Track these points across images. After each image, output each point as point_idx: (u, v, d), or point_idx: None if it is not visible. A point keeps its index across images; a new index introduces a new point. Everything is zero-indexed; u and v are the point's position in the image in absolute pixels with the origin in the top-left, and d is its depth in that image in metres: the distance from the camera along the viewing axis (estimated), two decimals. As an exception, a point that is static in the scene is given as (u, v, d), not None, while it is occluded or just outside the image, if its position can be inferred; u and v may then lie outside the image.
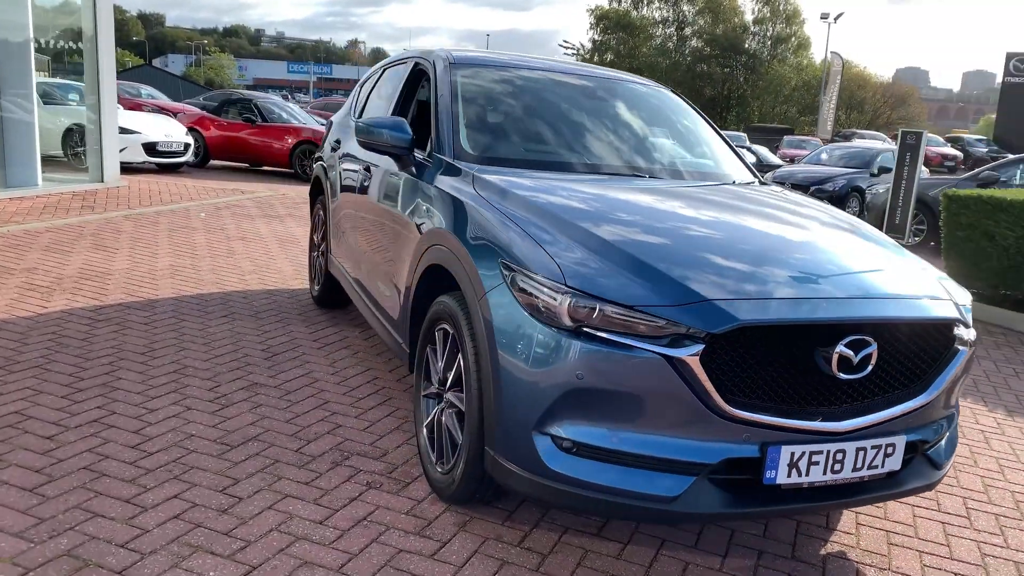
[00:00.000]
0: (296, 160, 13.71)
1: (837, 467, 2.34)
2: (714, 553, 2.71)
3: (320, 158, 5.45)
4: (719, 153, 3.96)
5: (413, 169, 3.45)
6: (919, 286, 2.55)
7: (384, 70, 4.92)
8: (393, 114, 4.14)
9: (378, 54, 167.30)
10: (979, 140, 38.01)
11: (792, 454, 2.27)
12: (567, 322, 2.24)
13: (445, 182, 3.14)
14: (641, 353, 2.18)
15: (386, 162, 3.75)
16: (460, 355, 2.68)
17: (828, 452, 2.31)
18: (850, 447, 2.34)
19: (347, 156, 4.62)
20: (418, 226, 3.22)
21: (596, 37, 55.69)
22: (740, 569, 2.62)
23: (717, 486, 2.28)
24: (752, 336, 2.22)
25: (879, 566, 2.72)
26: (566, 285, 2.27)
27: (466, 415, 2.60)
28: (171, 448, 3.11)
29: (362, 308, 4.10)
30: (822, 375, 2.29)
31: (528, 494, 2.38)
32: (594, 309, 2.22)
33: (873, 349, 2.30)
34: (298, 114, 15.21)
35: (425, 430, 3.04)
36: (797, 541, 2.84)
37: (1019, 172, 10.89)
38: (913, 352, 2.45)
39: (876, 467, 2.40)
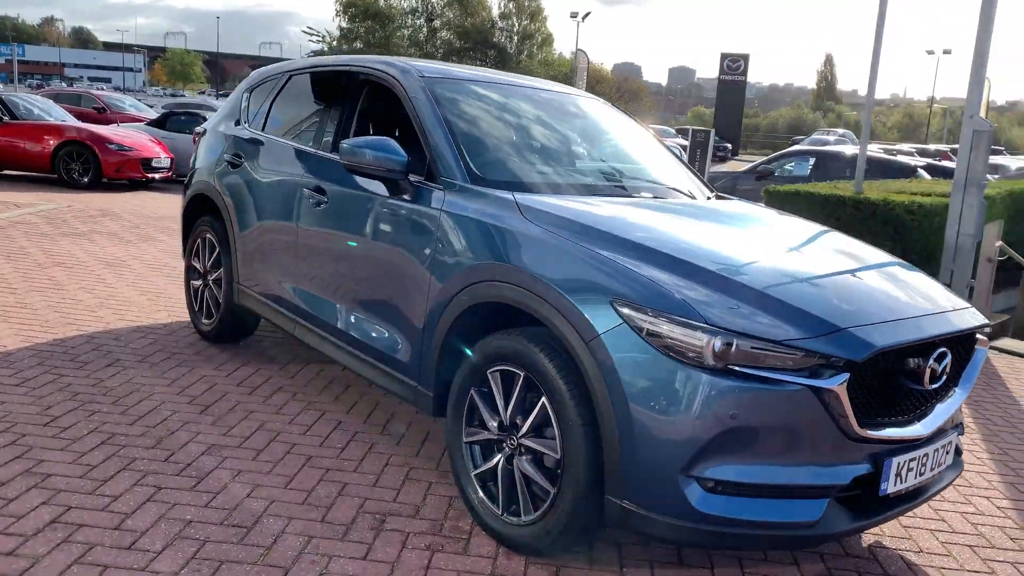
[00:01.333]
0: (60, 163, 11.92)
1: (923, 469, 2.55)
2: (789, 563, 2.82)
3: (198, 173, 4.79)
4: (681, 168, 4.06)
5: (408, 196, 3.16)
6: (953, 299, 2.84)
7: (290, 76, 4.44)
8: (339, 133, 3.75)
9: (82, 34, 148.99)
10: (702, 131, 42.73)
11: (898, 464, 2.44)
12: (713, 362, 2.21)
13: (471, 209, 2.92)
14: (788, 387, 2.21)
15: (363, 188, 3.39)
16: (545, 399, 2.53)
17: (918, 457, 2.51)
18: (930, 449, 2.56)
19: (271, 174, 4.10)
20: (434, 259, 2.97)
21: (344, 25, 54.48)
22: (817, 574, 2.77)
23: (842, 504, 2.38)
24: (877, 360, 2.34)
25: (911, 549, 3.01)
26: (707, 324, 2.23)
27: (566, 463, 2.46)
28: (179, 542, 2.60)
29: (321, 345, 3.69)
30: (914, 387, 2.48)
31: (671, 539, 2.33)
32: (739, 346, 2.21)
33: (949, 359, 2.53)
34: (53, 110, 13.22)
35: (477, 480, 2.83)
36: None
37: (788, 165, 12.45)
38: (961, 355, 2.73)
39: (941, 464, 2.66)
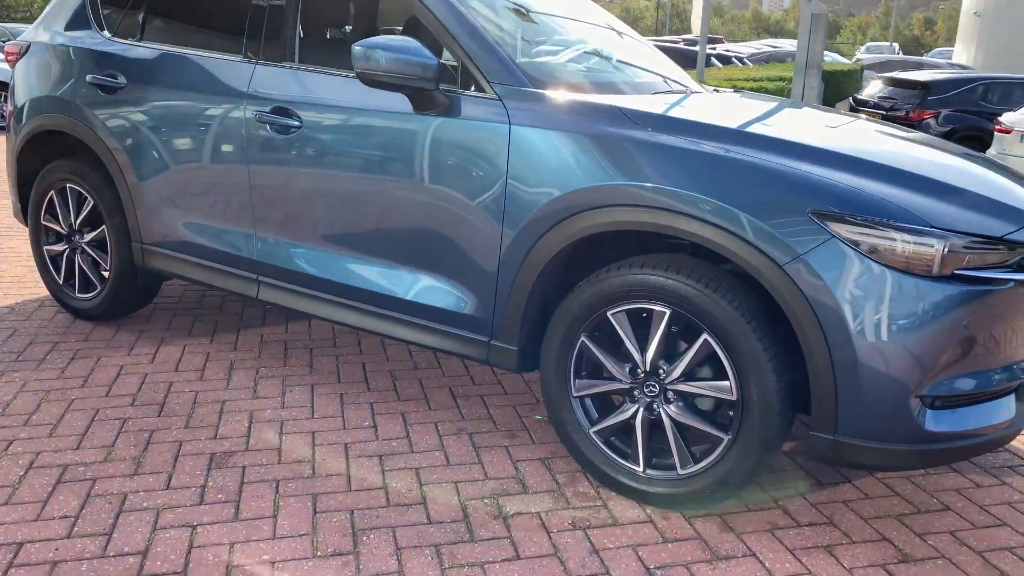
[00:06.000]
0: None
1: None
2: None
3: (38, 104, 3.60)
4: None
5: (445, 111, 2.53)
6: None
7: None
8: (289, 34, 2.92)
9: None
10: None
11: None
12: (942, 268, 1.99)
13: (555, 119, 2.39)
14: (1008, 284, 2.06)
15: (366, 107, 2.68)
16: (709, 336, 2.18)
17: None
18: None
19: (185, 99, 3.13)
20: (506, 188, 2.43)
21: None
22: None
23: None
24: None
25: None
26: (933, 227, 1.99)
27: (747, 405, 2.16)
28: (288, 595, 1.96)
29: (310, 307, 2.96)
30: None
31: (893, 467, 2.18)
32: (966, 248, 2.01)
33: None
34: None
35: (598, 437, 2.44)
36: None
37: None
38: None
39: None
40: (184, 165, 3.19)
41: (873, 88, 11.75)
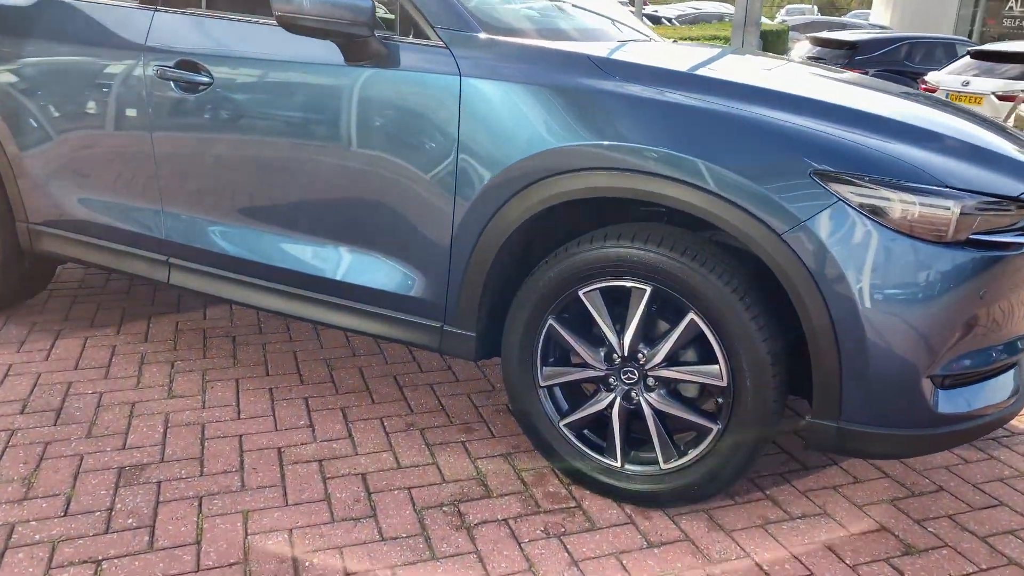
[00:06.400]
0: None
1: None
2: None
3: None
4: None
5: (381, 62, 2.18)
6: None
7: None
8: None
9: None
10: None
11: None
12: (957, 233, 1.77)
13: (512, 71, 2.06)
14: (1020, 249, 1.86)
15: (285, 58, 2.30)
16: (695, 315, 1.93)
17: None
18: None
19: (68, 54, 2.67)
20: (460, 151, 2.10)
21: None
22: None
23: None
24: None
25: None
26: (946, 187, 1.77)
27: (740, 391, 1.92)
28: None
29: (230, 292, 2.59)
30: None
31: (900, 454, 1.98)
32: (980, 209, 1.79)
33: None
34: None
35: (569, 431, 2.18)
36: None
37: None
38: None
39: None
40: (74, 132, 2.73)
41: (801, 48, 11.74)
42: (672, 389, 2.07)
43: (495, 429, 2.52)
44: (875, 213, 1.76)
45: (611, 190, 1.96)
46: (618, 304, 2.06)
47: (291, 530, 2.00)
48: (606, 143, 1.95)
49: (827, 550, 2.01)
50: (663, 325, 2.05)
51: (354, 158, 2.26)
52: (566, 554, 1.96)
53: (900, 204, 1.76)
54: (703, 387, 2.05)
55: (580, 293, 2.07)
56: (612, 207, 2.13)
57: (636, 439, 2.15)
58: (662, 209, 2.10)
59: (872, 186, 1.76)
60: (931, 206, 1.75)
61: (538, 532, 2.04)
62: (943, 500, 2.25)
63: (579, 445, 2.18)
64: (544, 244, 2.22)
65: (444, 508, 2.12)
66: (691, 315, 1.94)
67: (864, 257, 1.77)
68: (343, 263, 2.38)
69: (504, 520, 2.08)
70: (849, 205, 1.76)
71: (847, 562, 1.97)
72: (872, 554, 2.00)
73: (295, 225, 2.44)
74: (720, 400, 2.00)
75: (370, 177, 2.25)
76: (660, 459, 2.08)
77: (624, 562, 1.94)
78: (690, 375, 2.01)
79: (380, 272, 2.32)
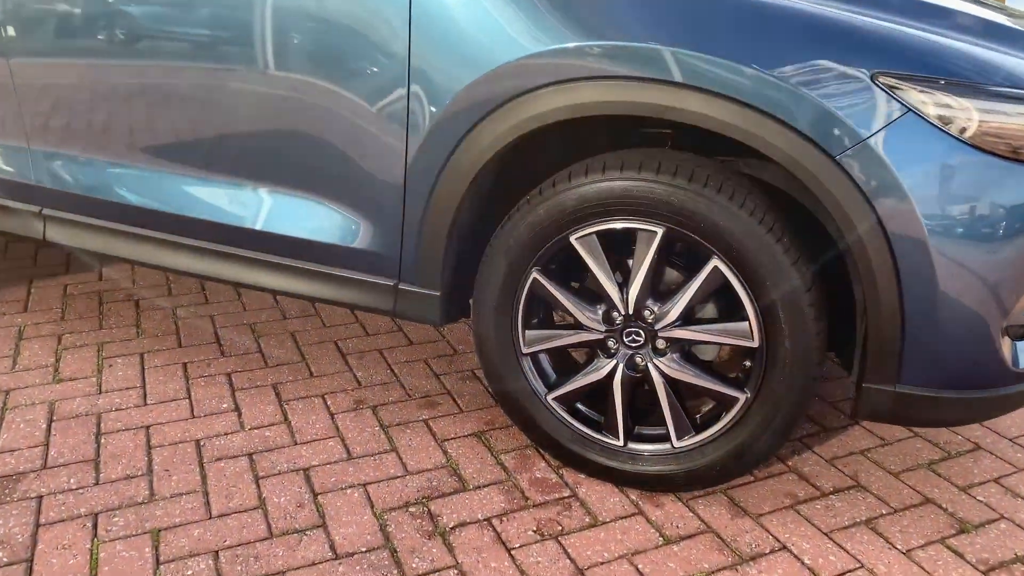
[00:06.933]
0: None
1: None
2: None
3: None
4: None
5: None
6: None
7: None
8: None
9: None
10: None
11: None
12: (1052, 149, 1.42)
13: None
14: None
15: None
16: (719, 263, 1.54)
17: None
18: None
19: None
20: (412, 72, 1.63)
21: None
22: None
23: None
24: None
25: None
26: (1048, 94, 1.40)
27: (777, 353, 1.56)
28: None
29: (136, 252, 2.08)
30: None
31: (971, 419, 1.65)
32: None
33: None
34: None
35: (559, 405, 1.79)
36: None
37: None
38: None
39: None
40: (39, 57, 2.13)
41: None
42: (687, 352, 1.69)
43: (462, 402, 2.12)
44: (955, 128, 1.39)
45: (608, 105, 1.53)
46: (621, 251, 1.66)
47: (216, 552, 1.57)
48: (598, 44, 1.51)
49: (872, 533, 1.70)
50: (676, 276, 1.66)
51: (276, 78, 1.76)
52: (568, 561, 1.59)
53: (988, 115, 1.38)
54: (728, 349, 1.69)
55: (572, 239, 1.65)
56: (596, 135, 1.72)
57: (642, 413, 1.78)
58: (666, 131, 1.70)
59: (953, 93, 1.38)
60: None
61: (530, 533, 1.66)
62: (984, 461, 1.97)
63: (572, 422, 1.80)
64: (525, 182, 1.78)
65: (411, 509, 1.71)
66: (714, 261, 1.56)
67: (941, 184, 1.40)
68: (270, 211, 1.89)
69: (487, 520, 1.69)
70: (923, 117, 1.38)
71: (899, 547, 1.66)
72: (924, 535, 1.70)
73: (206, 165, 1.93)
74: (748, 364, 1.64)
75: (298, 101, 1.75)
76: (672, 436, 1.72)
77: (640, 567, 1.58)
78: (713, 335, 1.63)
79: (315, 219, 1.85)
